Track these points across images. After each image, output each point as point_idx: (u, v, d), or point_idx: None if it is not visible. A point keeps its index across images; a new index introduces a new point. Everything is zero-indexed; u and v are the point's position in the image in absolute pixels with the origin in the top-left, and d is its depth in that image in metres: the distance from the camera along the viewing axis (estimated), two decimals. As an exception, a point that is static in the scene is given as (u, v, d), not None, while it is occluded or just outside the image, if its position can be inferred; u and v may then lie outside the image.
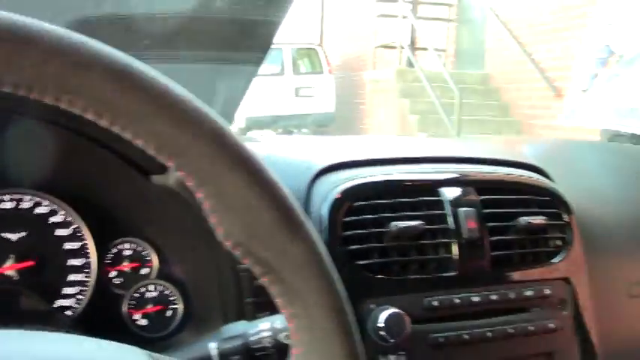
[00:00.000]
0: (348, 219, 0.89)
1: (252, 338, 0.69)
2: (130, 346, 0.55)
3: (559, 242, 1.01)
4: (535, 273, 0.97)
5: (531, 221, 0.96)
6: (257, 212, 0.51)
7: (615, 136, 2.36)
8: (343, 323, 0.54)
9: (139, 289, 0.95)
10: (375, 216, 0.89)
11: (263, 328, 0.69)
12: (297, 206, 0.53)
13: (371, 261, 0.88)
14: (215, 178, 0.50)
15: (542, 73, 6.95)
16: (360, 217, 0.89)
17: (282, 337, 0.66)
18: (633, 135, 1.69)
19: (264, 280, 0.54)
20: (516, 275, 0.96)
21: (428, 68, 7.95)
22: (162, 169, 0.87)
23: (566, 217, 1.02)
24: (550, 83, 6.73)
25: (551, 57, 6.88)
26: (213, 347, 0.68)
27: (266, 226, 0.52)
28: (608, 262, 1.15)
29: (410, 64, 8.33)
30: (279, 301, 0.54)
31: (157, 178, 0.89)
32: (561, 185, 1.08)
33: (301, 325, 0.54)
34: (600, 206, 1.23)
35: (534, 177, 1.05)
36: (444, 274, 0.91)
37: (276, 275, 0.53)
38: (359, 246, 0.88)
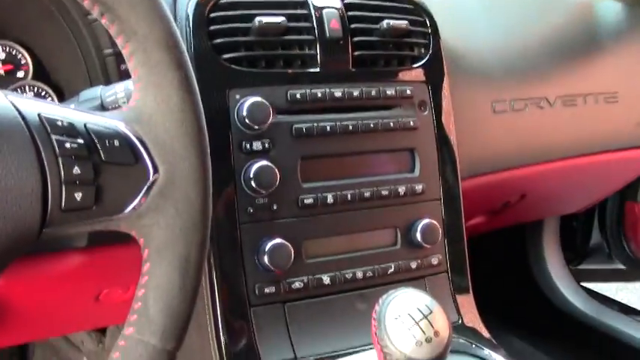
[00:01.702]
0: (214, 14, 0.93)
1: (107, 99, 0.75)
2: None
3: (422, 49, 1.08)
4: (397, 75, 1.04)
5: (394, 24, 1.02)
6: None
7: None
8: (176, 56, 0.60)
9: (15, 90, 0.98)
10: (241, 12, 0.94)
11: (118, 90, 0.75)
12: None
13: (237, 54, 0.93)
14: None
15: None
16: (226, 13, 0.94)
17: (134, 96, 0.71)
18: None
19: (104, 22, 0.59)
20: (378, 75, 1.03)
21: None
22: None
23: (429, 25, 1.08)
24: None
25: None
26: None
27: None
28: (473, 80, 1.25)
29: None
30: (118, 41, 0.59)
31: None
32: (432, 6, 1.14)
33: (138, 60, 0.59)
34: (471, 32, 1.31)
35: (401, -13, 1.11)
36: (308, 70, 0.97)
37: (113, 13, 0.58)
38: (224, 39, 0.93)
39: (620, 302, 1.93)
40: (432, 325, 0.70)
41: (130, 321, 0.62)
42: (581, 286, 1.93)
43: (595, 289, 1.97)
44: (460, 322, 1.04)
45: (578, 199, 1.68)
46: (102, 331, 1.38)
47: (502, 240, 1.91)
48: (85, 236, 0.89)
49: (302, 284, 0.95)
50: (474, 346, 1.01)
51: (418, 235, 1.02)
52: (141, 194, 0.61)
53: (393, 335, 0.69)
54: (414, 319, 0.70)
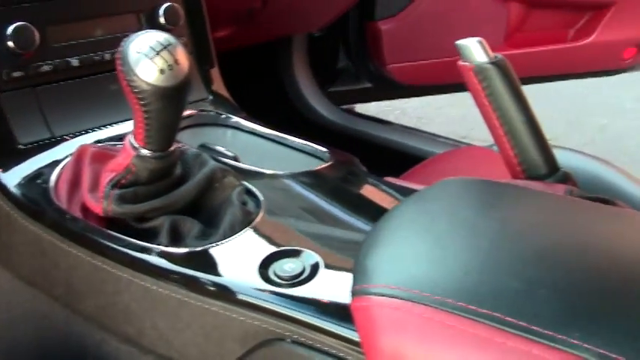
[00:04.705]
0: None
1: None
2: None
3: None
4: None
5: None
6: None
7: None
8: None
9: None
10: None
11: None
12: None
13: None
14: None
15: None
16: None
17: None
18: None
19: None
20: None
21: None
22: None
23: None
24: None
25: None
26: None
27: None
28: None
29: None
30: None
31: None
32: None
33: None
34: None
35: None
36: None
37: None
38: None
39: (369, 115, 2.11)
40: (171, 54, 0.76)
41: None
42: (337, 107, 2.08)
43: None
44: (210, 98, 1.12)
45: (317, 13, 1.78)
46: None
47: (256, 63, 2.00)
48: None
49: (50, 67, 0.98)
50: (223, 116, 1.09)
51: (161, 19, 1.07)
52: None
53: (137, 67, 0.75)
54: (154, 50, 0.76)
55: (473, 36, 0.88)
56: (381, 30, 1.93)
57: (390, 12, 1.93)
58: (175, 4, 1.08)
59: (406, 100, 2.81)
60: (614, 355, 0.52)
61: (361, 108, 2.34)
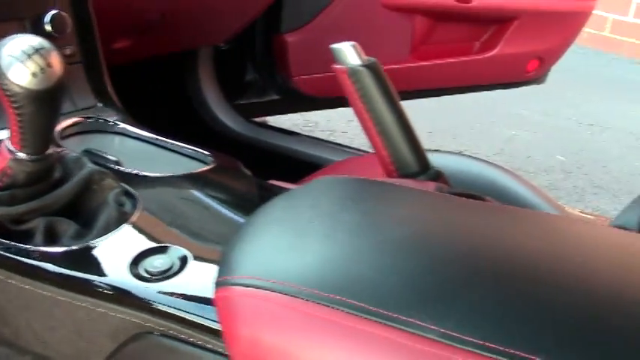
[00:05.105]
0: None
1: None
2: None
3: None
4: None
5: None
6: None
7: None
8: None
9: None
10: None
11: None
12: None
13: None
14: None
15: None
16: None
17: None
18: None
19: None
20: None
21: None
22: None
23: None
24: None
25: None
26: None
27: None
28: None
29: None
30: None
31: None
32: None
33: None
34: None
35: None
36: None
37: None
38: None
39: (276, 126, 2.15)
40: (44, 58, 0.78)
41: None
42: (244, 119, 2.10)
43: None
44: (99, 105, 1.13)
45: (220, 26, 1.80)
46: None
47: (162, 76, 2.01)
48: None
49: None
50: (110, 123, 1.11)
51: (47, 26, 1.08)
52: None
53: (9, 71, 0.77)
54: (27, 53, 0.77)
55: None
56: (287, 42, 1.95)
57: (297, 24, 1.95)
58: (62, 13, 1.09)
59: (319, 112, 2.86)
60: (455, 334, 0.55)
61: (274, 122, 2.36)
